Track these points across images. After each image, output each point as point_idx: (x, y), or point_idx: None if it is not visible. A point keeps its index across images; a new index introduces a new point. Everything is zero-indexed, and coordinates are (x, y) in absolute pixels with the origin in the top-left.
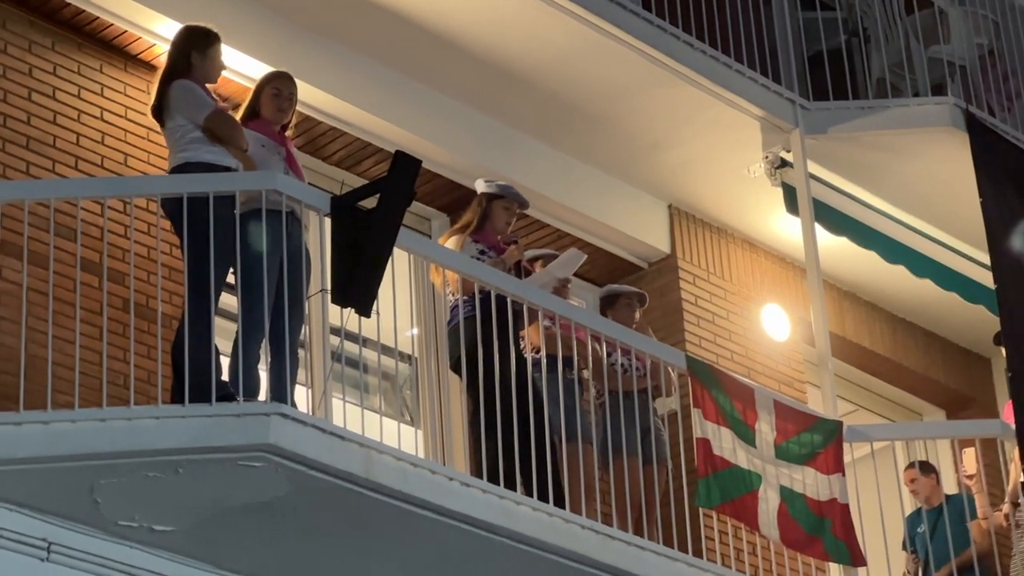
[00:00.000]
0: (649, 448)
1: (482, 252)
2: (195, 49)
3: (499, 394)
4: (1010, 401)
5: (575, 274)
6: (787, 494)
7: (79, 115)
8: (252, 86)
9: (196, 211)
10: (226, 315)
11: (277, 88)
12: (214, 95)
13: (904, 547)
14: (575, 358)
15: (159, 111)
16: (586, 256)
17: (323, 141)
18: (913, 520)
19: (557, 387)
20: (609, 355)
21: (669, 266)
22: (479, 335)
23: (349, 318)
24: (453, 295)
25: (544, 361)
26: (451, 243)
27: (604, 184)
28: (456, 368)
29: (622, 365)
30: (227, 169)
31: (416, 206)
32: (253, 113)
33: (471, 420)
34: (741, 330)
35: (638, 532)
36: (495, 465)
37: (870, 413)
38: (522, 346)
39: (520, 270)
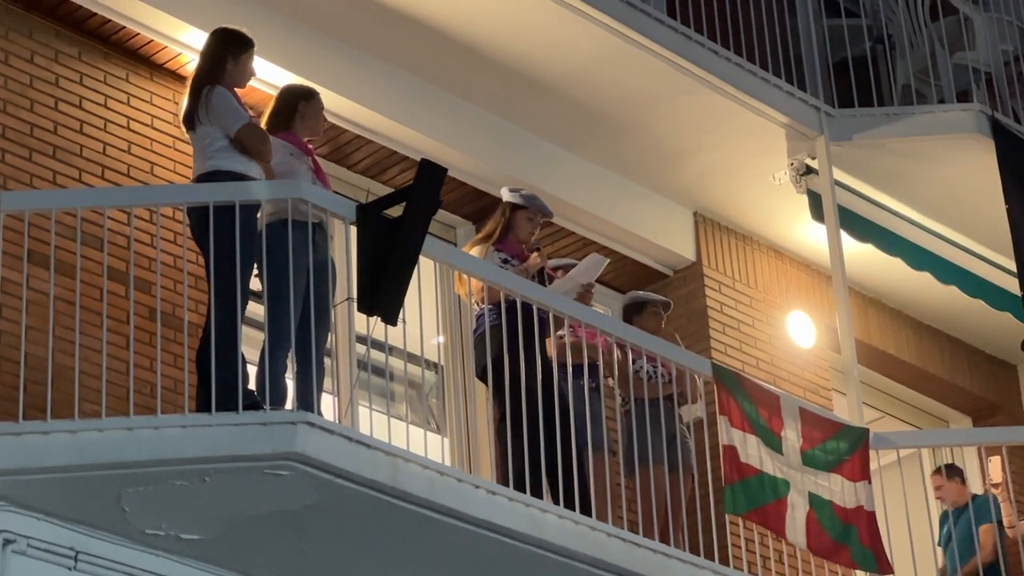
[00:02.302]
0: (675, 455)
1: (505, 261)
2: (230, 54)
3: (525, 402)
4: None
5: (600, 280)
6: (815, 501)
7: (105, 124)
8: (275, 94)
9: (222, 219)
10: (253, 324)
11: (320, 105)
12: (244, 104)
13: (938, 544)
14: (600, 366)
15: (191, 115)
16: (608, 260)
17: (348, 149)
18: (943, 520)
19: (580, 395)
20: (634, 362)
21: (694, 273)
22: (505, 343)
23: (375, 326)
24: (479, 305)
25: (569, 369)
26: (474, 252)
27: (629, 192)
28: (482, 376)
29: (647, 372)
30: (254, 180)
31: (441, 214)
32: (281, 122)
33: (497, 428)
34: (767, 337)
35: (664, 540)
36: (521, 473)
37: (896, 420)
38: (548, 355)
39: (543, 277)
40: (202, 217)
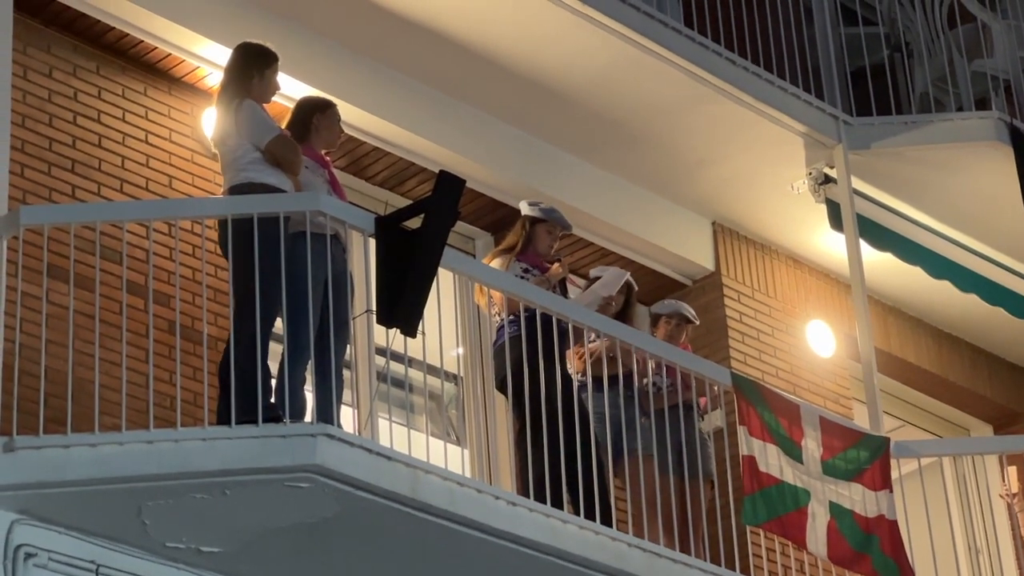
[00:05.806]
0: (694, 464)
1: (525, 271)
2: (255, 69)
3: (545, 412)
4: None
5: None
6: (836, 510)
7: (124, 138)
8: (292, 106)
9: (245, 232)
10: (272, 337)
11: (336, 117)
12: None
13: None
14: (632, 374)
15: (221, 130)
16: (629, 274)
17: (367, 161)
18: None
19: (603, 404)
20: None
21: (713, 283)
22: (525, 354)
23: (395, 338)
24: (499, 315)
25: (589, 380)
26: (495, 264)
27: (648, 202)
28: (501, 388)
29: (654, 384)
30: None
31: (460, 226)
32: (297, 135)
33: (517, 439)
34: (786, 347)
35: (685, 549)
36: (541, 484)
37: (917, 429)
38: (568, 367)
39: (565, 289)
40: (235, 231)
